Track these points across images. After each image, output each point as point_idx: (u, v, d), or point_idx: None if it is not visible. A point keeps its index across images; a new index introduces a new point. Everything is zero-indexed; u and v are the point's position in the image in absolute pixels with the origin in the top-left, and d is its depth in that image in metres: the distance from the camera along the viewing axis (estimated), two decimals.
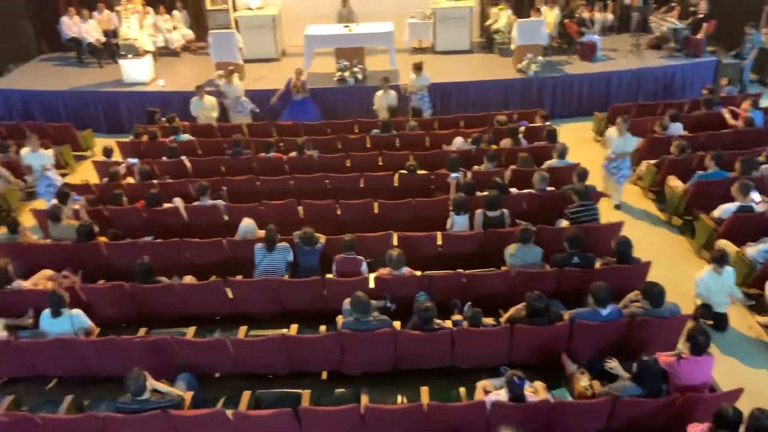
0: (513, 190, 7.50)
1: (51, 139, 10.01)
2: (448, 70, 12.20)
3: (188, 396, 4.93)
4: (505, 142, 8.99)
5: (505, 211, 6.84)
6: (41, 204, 8.61)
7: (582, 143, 10.21)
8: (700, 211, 7.25)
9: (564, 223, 6.86)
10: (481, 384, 4.85)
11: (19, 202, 9.04)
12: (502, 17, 13.33)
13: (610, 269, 5.86)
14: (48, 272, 6.55)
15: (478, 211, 6.81)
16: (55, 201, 7.46)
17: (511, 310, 5.44)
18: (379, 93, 10.68)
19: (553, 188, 7.45)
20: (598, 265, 6.01)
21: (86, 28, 13.30)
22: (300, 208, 7.54)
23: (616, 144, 8.19)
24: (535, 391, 4.56)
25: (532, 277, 5.87)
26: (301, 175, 8.26)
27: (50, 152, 8.76)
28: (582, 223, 6.64)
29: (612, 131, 8.37)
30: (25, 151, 8.62)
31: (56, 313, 5.52)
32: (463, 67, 12.48)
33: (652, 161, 8.64)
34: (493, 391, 4.63)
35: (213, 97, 10.90)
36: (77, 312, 5.62)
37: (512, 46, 12.29)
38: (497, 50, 13.30)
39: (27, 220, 8.16)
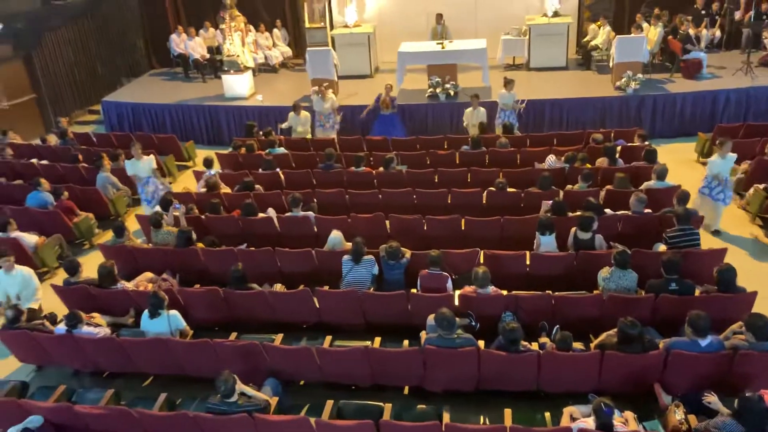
0: (608, 211, 7.26)
1: (156, 149, 10.65)
2: (542, 87, 12.04)
3: (273, 401, 5.07)
4: (601, 161, 8.72)
5: (599, 236, 6.63)
6: (143, 210, 9.13)
7: (683, 165, 9.75)
8: None
9: (662, 247, 6.56)
10: (567, 410, 4.70)
11: (125, 208, 9.66)
12: (600, 34, 13.01)
13: (711, 298, 5.56)
14: (149, 275, 6.96)
15: (573, 230, 6.64)
16: (157, 208, 7.92)
17: (602, 336, 5.26)
18: (469, 110, 10.67)
19: (650, 211, 7.15)
20: (697, 293, 5.72)
21: (192, 45, 14.12)
22: (387, 222, 7.62)
23: (715, 164, 7.77)
24: (625, 422, 4.38)
25: (625, 303, 5.65)
26: (389, 190, 8.35)
27: (152, 159, 9.24)
28: (681, 248, 6.33)
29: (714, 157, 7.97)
30: (129, 160, 9.18)
31: (155, 314, 5.85)
32: (557, 84, 12.26)
33: (761, 185, 8.12)
34: (580, 419, 4.48)
35: (308, 113, 11.25)
36: (174, 313, 5.93)
37: (611, 63, 11.95)
38: (595, 67, 13.00)
39: (133, 225, 8.69)
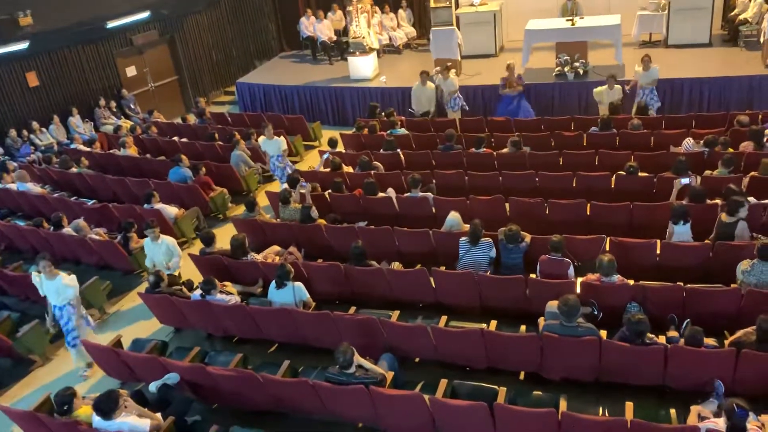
0: (751, 199, 6.68)
1: (286, 130, 11.13)
2: (680, 65, 11.26)
3: (389, 375, 5.18)
4: (746, 146, 8.03)
5: (743, 222, 6.13)
6: (276, 186, 9.57)
7: None
8: None
9: None
10: (695, 408, 4.45)
11: (257, 185, 10.20)
12: (751, 6, 11.88)
13: None
14: (276, 248, 7.34)
15: (722, 216, 6.20)
16: (286, 186, 8.30)
17: (739, 333, 4.89)
18: (602, 88, 10.19)
19: None
20: None
21: (320, 28, 14.55)
22: (507, 205, 7.51)
23: None
24: (762, 426, 4.06)
25: (767, 299, 5.21)
26: (510, 172, 8.20)
27: (282, 140, 9.69)
28: None
29: None
30: (261, 139, 9.73)
31: (281, 285, 6.17)
32: (698, 62, 11.39)
33: None
34: (710, 418, 4.21)
35: (434, 86, 11.26)
36: (299, 285, 6.22)
37: (761, 39, 10.91)
38: (743, 43, 11.92)
39: (262, 200, 9.17)
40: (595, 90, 10.39)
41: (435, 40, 12.37)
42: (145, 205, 8.59)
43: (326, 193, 8.32)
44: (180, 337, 6.84)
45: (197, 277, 7.15)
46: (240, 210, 8.97)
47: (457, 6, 13.66)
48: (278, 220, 8.04)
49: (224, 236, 7.70)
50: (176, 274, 7.19)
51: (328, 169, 9.05)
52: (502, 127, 10.17)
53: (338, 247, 7.20)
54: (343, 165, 9.07)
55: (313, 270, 6.72)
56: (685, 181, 7.07)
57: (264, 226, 7.83)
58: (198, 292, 6.34)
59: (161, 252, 7.30)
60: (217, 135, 10.92)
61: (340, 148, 10.10)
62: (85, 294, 7.01)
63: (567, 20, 11.94)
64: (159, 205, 8.61)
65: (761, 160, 7.30)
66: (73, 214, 8.81)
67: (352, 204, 8.06)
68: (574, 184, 7.86)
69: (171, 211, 8.68)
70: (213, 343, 6.58)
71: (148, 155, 10.95)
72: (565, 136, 9.30)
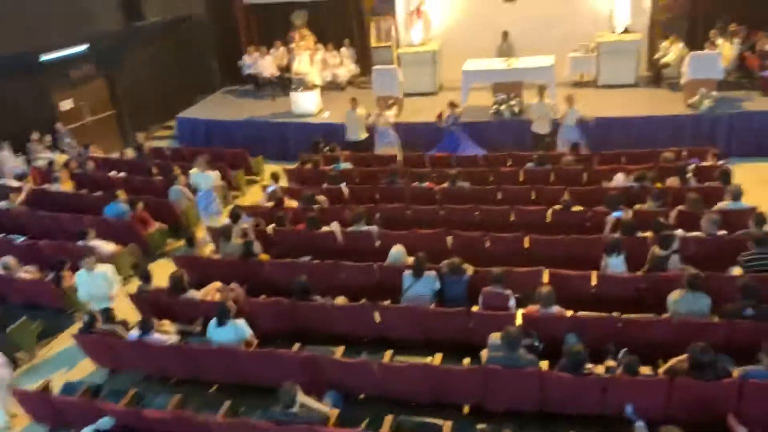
0: (679, 232, 6.99)
1: (227, 164, 11.01)
2: (610, 105, 11.77)
3: (334, 413, 5.09)
4: (672, 181, 8.43)
5: (676, 255, 6.38)
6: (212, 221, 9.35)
7: (761, 185, 9.27)
8: None
9: (736, 270, 6.27)
10: None
11: (197, 219, 9.90)
12: (672, 50, 12.61)
13: None
14: (217, 284, 7.13)
15: (654, 249, 6.45)
16: (227, 221, 8.16)
17: (672, 361, 5.04)
18: (534, 101, 10.85)
19: (724, 233, 6.86)
20: None
21: (263, 64, 14.63)
22: (449, 238, 7.59)
23: None
24: None
25: (698, 328, 5.41)
26: (451, 206, 8.33)
27: (215, 173, 9.46)
28: (759, 272, 6.02)
29: None
30: (193, 171, 9.45)
31: (222, 322, 6.00)
32: (627, 102, 11.96)
33: None
34: None
35: (364, 112, 11.49)
36: (241, 322, 6.07)
37: (682, 81, 11.57)
38: (666, 85, 12.60)
39: (202, 235, 8.97)
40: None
41: (377, 78, 12.58)
42: (80, 242, 8.28)
43: (269, 227, 8.23)
44: (115, 379, 6.54)
45: (134, 316, 6.88)
46: (179, 246, 8.75)
47: (397, 46, 14.00)
48: (219, 255, 7.87)
49: (163, 273, 7.47)
50: (111, 306, 6.93)
51: (271, 204, 8.97)
52: (443, 162, 10.35)
53: (281, 283, 7.08)
54: (286, 199, 9.02)
55: (256, 306, 6.59)
56: (616, 214, 7.34)
57: (204, 262, 7.66)
58: (135, 332, 6.10)
59: (98, 283, 7.04)
60: (155, 170, 10.69)
61: (283, 182, 10.04)
62: (13, 336, 6.65)
63: (503, 61, 12.36)
64: (94, 242, 8.31)
65: (686, 195, 7.68)
66: (1, 251, 8.39)
67: (295, 239, 7.99)
68: (512, 218, 8.03)
69: (107, 248, 8.39)
70: (150, 384, 6.32)
71: (83, 190, 10.58)
72: (503, 172, 9.53)
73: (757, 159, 10.47)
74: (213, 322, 6.07)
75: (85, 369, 6.72)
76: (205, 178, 9.27)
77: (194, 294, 6.80)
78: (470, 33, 13.94)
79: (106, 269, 7.16)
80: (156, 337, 6.02)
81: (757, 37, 11.99)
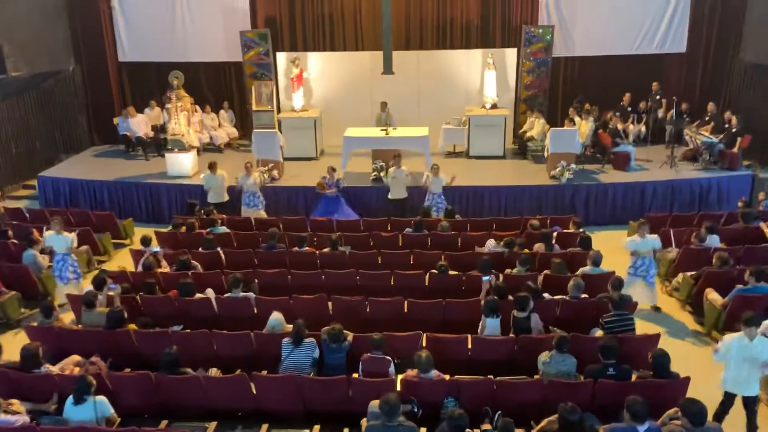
0: (546, 295, 7.42)
1: (92, 227, 10.40)
2: (482, 175, 12.50)
3: None
4: (539, 247, 8.97)
5: (535, 314, 6.76)
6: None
7: (616, 252, 10.05)
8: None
9: (599, 332, 6.70)
10: None
11: (55, 286, 9.20)
12: (536, 125, 13.70)
13: (647, 383, 5.64)
14: (76, 358, 6.58)
15: (514, 312, 6.75)
16: (90, 288, 7.63)
17: (543, 422, 5.22)
18: (390, 169, 11.37)
19: (586, 296, 7.34)
20: (634, 378, 5.82)
21: (136, 122, 14.15)
22: (330, 304, 7.55)
23: (633, 242, 8.50)
24: None
25: (565, 388, 5.68)
26: (332, 271, 8.32)
27: (72, 236, 9.06)
28: (617, 333, 6.47)
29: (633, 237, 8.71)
30: (48, 233, 9.01)
31: (80, 400, 5.49)
32: (496, 172, 12.74)
33: (689, 273, 8.51)
34: None
35: (225, 173, 11.52)
36: (101, 399, 5.59)
37: (545, 154, 12.55)
38: (531, 157, 13.61)
39: (61, 303, 8.35)
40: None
41: (257, 142, 12.56)
42: None
43: (137, 295, 7.77)
44: None
45: None
46: (35, 316, 8.01)
47: (278, 110, 14.12)
48: (80, 326, 7.29)
49: (14, 346, 6.70)
50: None
51: (141, 269, 8.51)
52: (323, 226, 10.39)
53: (149, 355, 6.63)
54: (158, 264, 8.60)
55: (120, 381, 6.09)
56: (486, 278, 7.67)
57: (63, 333, 7.02)
58: None
59: None
60: (10, 232, 9.84)
61: (156, 246, 9.57)
62: None
63: (382, 130, 12.81)
64: None
65: (551, 260, 8.19)
66: None
67: (166, 306, 7.58)
68: (392, 282, 8.15)
69: None
70: None
71: None
72: (382, 236, 9.71)
73: (611, 227, 11.47)
74: (70, 399, 5.54)
75: None
76: (61, 240, 8.85)
77: (50, 369, 6.19)
78: (350, 102, 14.47)
79: None
80: (2, 419, 5.37)
81: (609, 117, 13.35)
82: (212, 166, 11.46)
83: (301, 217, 10.99)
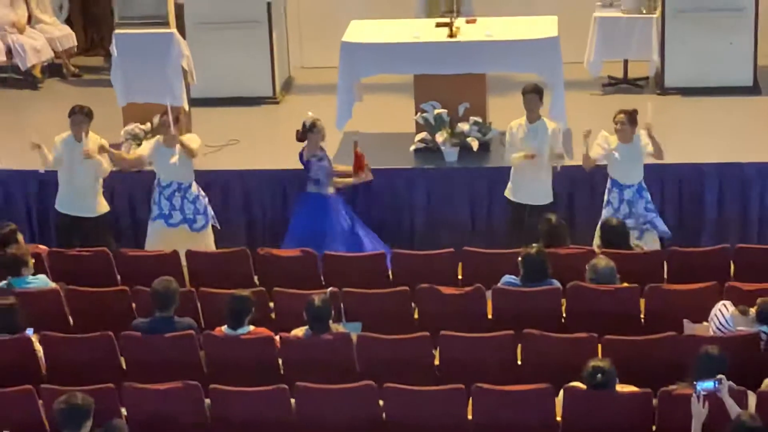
0: None
1: None
2: (694, 140, 12.89)
3: None
4: None
5: None
6: None
7: None
8: None
9: None
10: None
11: None
12: None
13: None
14: None
15: None
16: None
17: None
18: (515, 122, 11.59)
19: None
20: None
21: None
22: None
23: None
24: None
25: None
26: (313, 387, 8.37)
27: None
28: None
29: None
30: None
31: None
32: (737, 132, 13.00)
33: None
34: None
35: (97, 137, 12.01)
36: None
37: None
38: None
39: None
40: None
41: (124, 60, 12.74)
42: None
43: None
44: None
45: None
46: None
47: None
48: None
49: None
50: None
51: None
52: (295, 270, 10.56)
53: None
54: None
55: None
56: (704, 386, 7.55)
57: None
58: None
59: None
60: None
61: None
62: None
63: (439, 25, 12.63)
64: None
65: None
66: None
67: None
68: (468, 417, 8.13)
69: None
70: None
71: None
72: (442, 295, 9.74)
73: None
74: None
75: None
76: None
77: None
78: None
79: None
80: None
81: None
82: (79, 123, 11.74)
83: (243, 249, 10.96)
